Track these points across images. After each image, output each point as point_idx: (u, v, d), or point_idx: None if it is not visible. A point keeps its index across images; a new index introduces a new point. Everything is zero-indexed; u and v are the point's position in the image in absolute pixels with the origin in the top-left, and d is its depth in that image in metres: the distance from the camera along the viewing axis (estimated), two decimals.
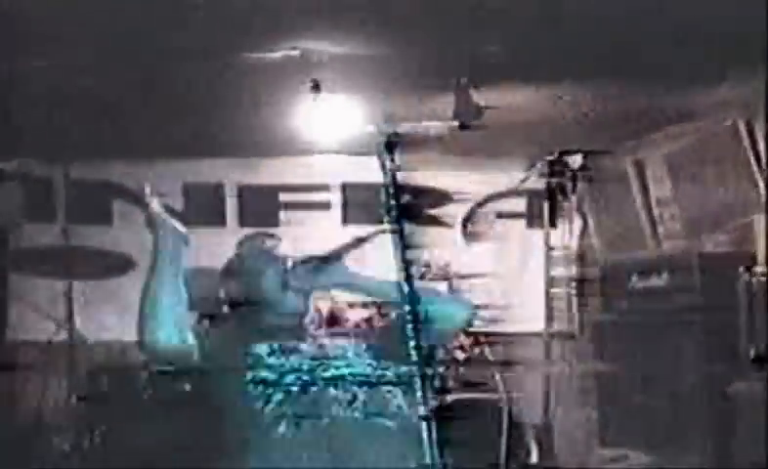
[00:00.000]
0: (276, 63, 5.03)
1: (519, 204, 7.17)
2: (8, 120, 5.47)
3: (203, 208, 6.94)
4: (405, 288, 2.94)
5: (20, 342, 6.60)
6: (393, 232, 3.04)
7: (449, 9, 4.46)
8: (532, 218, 7.09)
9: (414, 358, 2.90)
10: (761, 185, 5.74)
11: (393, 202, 3.07)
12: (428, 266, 4.84)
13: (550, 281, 5.52)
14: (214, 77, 5.24)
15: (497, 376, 4.86)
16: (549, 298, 5.44)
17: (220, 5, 4.36)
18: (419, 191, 3.40)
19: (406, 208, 3.11)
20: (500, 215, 7.17)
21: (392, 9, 4.47)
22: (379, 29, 4.76)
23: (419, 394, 2.92)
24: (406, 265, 2.95)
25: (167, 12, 4.40)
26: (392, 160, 3.18)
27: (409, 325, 2.93)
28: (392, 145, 3.18)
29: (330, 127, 6.00)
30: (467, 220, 7.06)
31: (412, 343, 2.91)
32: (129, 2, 4.32)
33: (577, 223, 7.18)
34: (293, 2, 4.40)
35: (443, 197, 6.73)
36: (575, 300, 6.97)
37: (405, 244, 2.97)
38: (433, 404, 2.91)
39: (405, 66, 5.19)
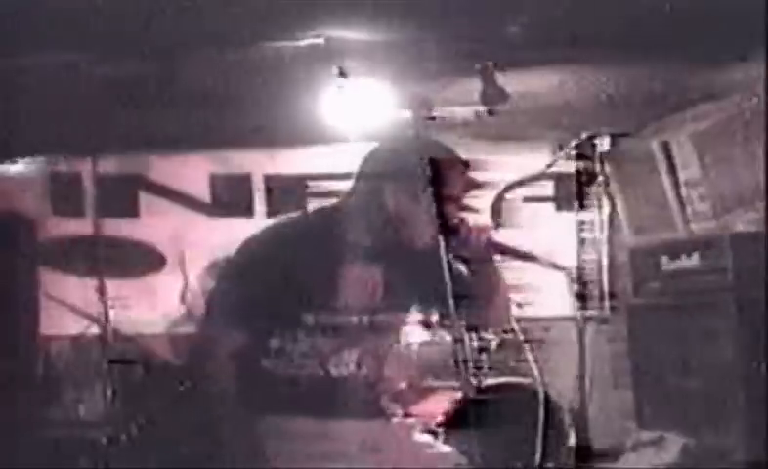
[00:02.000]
0: (300, 52, 5.01)
1: (547, 188, 7.13)
2: (27, 118, 5.46)
3: (231, 199, 6.94)
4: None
5: None
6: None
7: None
8: (560, 202, 7.06)
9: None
10: None
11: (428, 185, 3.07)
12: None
13: (581, 265, 5.49)
14: (236, 68, 5.22)
15: (531, 360, 4.81)
16: (581, 282, 5.41)
17: None
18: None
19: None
20: (528, 199, 7.13)
21: None
22: (401, 14, 4.73)
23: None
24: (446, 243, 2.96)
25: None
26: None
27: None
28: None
29: (357, 114, 5.98)
30: (496, 205, 7.01)
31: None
32: None
33: (606, 206, 7.13)
34: None
35: (471, 183, 6.70)
36: (606, 283, 6.94)
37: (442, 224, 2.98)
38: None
39: (428, 51, 5.16)
